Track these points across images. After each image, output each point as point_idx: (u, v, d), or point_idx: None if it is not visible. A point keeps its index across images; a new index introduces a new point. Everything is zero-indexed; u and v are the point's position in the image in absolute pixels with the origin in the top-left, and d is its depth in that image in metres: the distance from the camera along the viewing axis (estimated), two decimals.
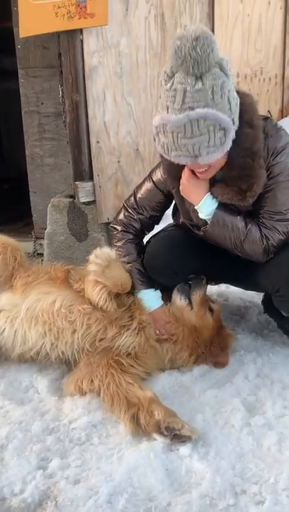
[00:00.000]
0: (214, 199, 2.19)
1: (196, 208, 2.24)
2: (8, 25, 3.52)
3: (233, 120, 1.94)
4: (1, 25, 4.00)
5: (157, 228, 2.63)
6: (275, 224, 2.20)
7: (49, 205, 3.56)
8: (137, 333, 2.35)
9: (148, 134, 3.61)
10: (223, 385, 2.31)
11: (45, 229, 3.62)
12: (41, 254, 3.72)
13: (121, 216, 2.54)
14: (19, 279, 2.50)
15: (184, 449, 1.94)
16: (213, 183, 2.19)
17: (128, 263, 2.44)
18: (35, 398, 2.30)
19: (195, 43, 1.79)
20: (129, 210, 2.51)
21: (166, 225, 2.65)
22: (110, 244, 2.58)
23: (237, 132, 2.00)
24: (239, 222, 2.20)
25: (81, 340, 2.31)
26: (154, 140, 2.03)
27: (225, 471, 1.86)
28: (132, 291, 2.44)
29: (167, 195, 2.41)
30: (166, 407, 2.07)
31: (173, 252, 2.42)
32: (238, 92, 2.01)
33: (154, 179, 2.43)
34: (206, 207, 2.21)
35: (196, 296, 2.47)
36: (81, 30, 3.12)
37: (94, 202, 3.42)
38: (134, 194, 2.51)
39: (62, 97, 3.39)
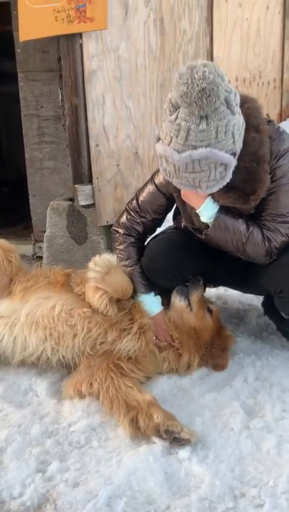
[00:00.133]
0: (215, 202, 2.20)
1: (197, 211, 2.25)
2: (8, 28, 3.53)
3: (235, 153, 1.96)
4: (0, 29, 4.02)
5: (158, 231, 2.63)
6: (278, 226, 2.21)
7: (48, 208, 3.56)
8: (138, 337, 2.36)
9: (147, 137, 3.62)
10: (222, 388, 2.32)
11: (45, 232, 3.62)
12: (40, 257, 3.72)
13: (123, 219, 2.54)
14: (18, 284, 2.50)
15: (183, 452, 1.94)
16: None
17: (130, 266, 2.44)
18: (34, 401, 2.30)
19: (201, 94, 1.79)
20: (132, 213, 2.51)
21: (166, 227, 2.66)
22: (111, 247, 2.58)
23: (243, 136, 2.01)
24: (241, 225, 2.21)
25: (82, 344, 2.31)
26: (159, 166, 2.06)
27: (224, 474, 1.86)
28: (133, 295, 2.44)
29: (169, 198, 2.42)
30: (166, 411, 2.07)
31: (171, 254, 2.43)
32: (243, 97, 2.02)
33: (156, 182, 2.43)
34: (207, 210, 2.22)
35: (195, 296, 2.48)
36: (81, 35, 3.13)
37: (93, 205, 3.42)
38: (137, 197, 2.51)
39: (61, 100, 3.40)
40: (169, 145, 1.92)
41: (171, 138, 1.90)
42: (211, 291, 2.97)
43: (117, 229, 2.56)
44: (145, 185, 2.50)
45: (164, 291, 2.52)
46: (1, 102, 5.14)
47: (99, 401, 2.21)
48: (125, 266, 2.44)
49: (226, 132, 1.88)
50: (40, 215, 3.74)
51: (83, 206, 3.43)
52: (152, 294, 2.46)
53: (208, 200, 2.19)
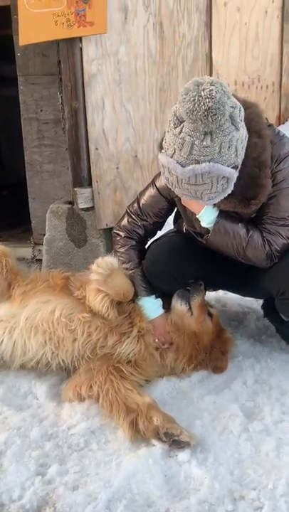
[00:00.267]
0: (215, 207, 2.21)
1: (197, 216, 2.26)
2: (8, 32, 3.55)
3: (237, 166, 1.98)
4: (0, 33, 4.03)
5: (159, 234, 2.64)
6: (279, 229, 2.22)
7: (48, 212, 3.57)
8: (137, 341, 2.36)
9: (146, 141, 3.64)
10: (221, 391, 2.32)
11: (44, 235, 3.63)
12: (40, 260, 3.73)
13: (124, 222, 2.55)
14: (17, 288, 2.50)
15: (183, 455, 1.95)
16: None
17: (130, 269, 2.45)
18: (33, 404, 2.30)
19: (207, 112, 1.81)
20: (133, 216, 2.52)
21: (167, 230, 2.66)
22: (111, 249, 2.58)
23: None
24: (241, 229, 2.23)
25: (82, 348, 2.31)
26: (162, 174, 2.09)
27: (223, 476, 1.86)
28: (133, 298, 2.44)
29: (171, 201, 2.43)
30: (165, 413, 2.07)
31: (173, 258, 2.43)
32: (245, 102, 2.03)
33: (157, 185, 2.44)
34: (207, 215, 2.23)
35: (195, 301, 2.48)
36: (80, 39, 3.15)
37: (93, 208, 3.43)
38: (138, 200, 2.52)
39: (61, 104, 3.41)
40: (172, 157, 1.94)
41: (175, 150, 1.92)
42: (210, 295, 2.98)
43: (118, 232, 2.57)
44: (146, 188, 2.51)
45: (164, 294, 2.53)
46: (0, 105, 5.16)
47: (98, 404, 2.21)
48: (126, 269, 2.45)
49: (229, 147, 1.90)
50: (40, 218, 3.74)
51: (83, 209, 3.44)
52: (153, 296, 2.46)
53: (208, 206, 2.20)
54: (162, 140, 2.10)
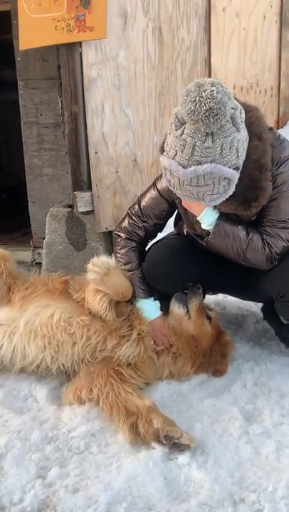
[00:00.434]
0: (215, 210, 2.22)
1: (197, 218, 2.27)
2: (8, 37, 3.56)
3: (238, 167, 1.99)
4: (1, 37, 4.06)
5: (159, 236, 2.65)
6: (279, 231, 2.24)
7: (48, 215, 3.58)
8: (137, 344, 2.36)
9: (146, 145, 3.66)
10: (221, 394, 2.33)
11: (44, 238, 3.64)
12: (40, 264, 3.73)
13: (125, 224, 2.56)
14: (17, 292, 2.50)
15: (183, 458, 1.95)
16: None
17: (130, 271, 2.46)
18: (34, 407, 2.30)
19: (208, 113, 1.82)
20: (134, 218, 2.53)
21: (167, 233, 2.67)
22: (111, 252, 2.59)
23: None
24: (240, 231, 2.24)
25: (81, 352, 2.32)
26: (163, 176, 2.09)
27: (223, 479, 1.87)
28: (132, 300, 2.45)
29: (171, 203, 2.44)
30: (165, 416, 2.08)
31: (173, 260, 2.44)
32: (246, 106, 2.05)
33: (158, 188, 2.45)
34: (207, 217, 2.24)
35: (193, 304, 2.48)
36: (80, 43, 3.17)
37: (92, 212, 3.45)
38: (139, 202, 2.53)
39: (61, 108, 3.43)
40: (173, 159, 1.95)
41: (176, 152, 1.93)
42: (209, 298, 2.99)
43: (118, 233, 2.58)
44: (147, 190, 2.53)
45: (163, 297, 2.54)
46: (1, 109, 5.18)
47: (98, 407, 2.21)
48: (126, 270, 2.45)
49: (230, 148, 1.91)
50: (40, 221, 3.75)
51: (82, 213, 3.45)
52: (151, 299, 2.47)
53: (209, 208, 2.21)
54: (163, 143, 2.12)
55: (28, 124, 3.69)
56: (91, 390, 2.23)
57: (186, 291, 2.55)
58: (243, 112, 1.97)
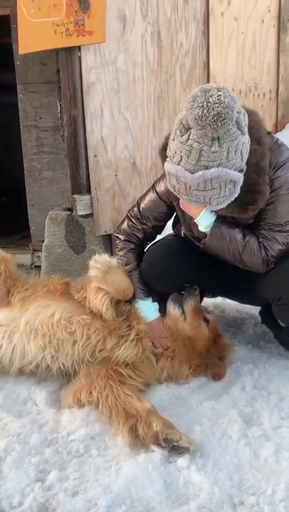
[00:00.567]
0: (212, 212, 2.24)
1: (195, 221, 2.29)
2: (8, 41, 3.58)
3: (243, 169, 2.01)
4: (0, 41, 4.07)
5: (158, 238, 2.66)
6: (275, 235, 2.25)
7: (47, 218, 3.59)
8: (135, 344, 2.37)
9: (145, 148, 3.67)
10: (220, 397, 2.33)
11: (43, 241, 3.65)
12: (39, 267, 3.74)
13: (124, 226, 2.58)
14: (17, 294, 2.51)
15: (182, 461, 1.95)
16: None
17: (129, 272, 2.47)
18: (33, 410, 2.30)
19: (216, 117, 1.84)
20: (133, 220, 2.55)
21: (165, 235, 2.69)
22: (112, 253, 2.60)
23: None
24: (237, 234, 2.25)
25: (81, 352, 2.32)
26: (167, 182, 2.10)
27: (223, 482, 1.87)
28: (131, 301, 2.46)
29: (170, 206, 2.46)
30: (164, 419, 2.08)
31: (170, 259, 2.46)
32: (246, 111, 2.05)
33: (157, 190, 2.47)
34: (204, 220, 2.26)
35: (188, 305, 2.48)
36: (79, 47, 3.19)
37: (91, 215, 3.46)
38: (138, 204, 2.55)
39: (60, 111, 3.45)
40: (178, 164, 1.96)
41: (181, 157, 1.94)
42: (208, 300, 3.00)
43: (118, 235, 2.60)
44: (146, 192, 2.54)
45: (162, 298, 2.54)
46: (0, 112, 5.19)
47: (98, 410, 2.21)
48: (125, 271, 2.46)
49: (235, 151, 1.93)
50: (39, 224, 3.77)
51: (81, 216, 3.47)
52: (150, 300, 2.48)
53: (206, 210, 2.22)
54: (162, 146, 2.14)
55: (28, 127, 3.70)
56: (91, 392, 2.23)
57: (183, 292, 2.55)
58: (246, 115, 1.99)
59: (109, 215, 3.52)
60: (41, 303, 2.42)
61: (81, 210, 3.42)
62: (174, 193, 2.11)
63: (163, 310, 2.53)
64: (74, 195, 3.42)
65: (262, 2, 4.75)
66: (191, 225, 2.36)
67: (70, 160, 3.41)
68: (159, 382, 2.44)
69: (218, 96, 1.84)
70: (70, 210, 3.54)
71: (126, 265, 2.49)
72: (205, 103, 1.84)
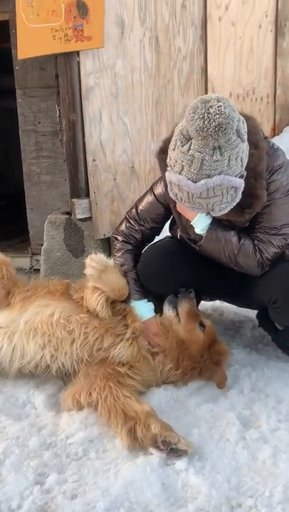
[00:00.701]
0: (208, 215, 2.25)
1: (191, 223, 2.31)
2: (7, 46, 3.61)
3: (243, 175, 2.03)
4: (0, 46, 4.10)
5: (156, 240, 2.69)
6: (270, 238, 2.27)
7: (46, 222, 3.61)
8: (131, 343, 2.38)
9: (143, 152, 3.69)
10: (218, 400, 2.34)
11: (42, 245, 3.66)
12: (38, 270, 3.75)
13: (122, 227, 2.61)
14: (17, 294, 2.53)
15: (180, 463, 1.96)
16: None
17: (125, 272, 2.49)
18: (32, 413, 2.31)
19: (218, 128, 1.86)
20: (131, 222, 2.58)
21: (162, 237, 2.71)
22: (110, 255, 2.62)
23: None
24: (232, 236, 2.28)
25: (80, 351, 2.34)
26: (169, 191, 2.12)
27: (220, 484, 1.88)
28: (126, 301, 2.47)
29: (167, 208, 2.48)
30: (163, 421, 2.09)
31: (166, 259, 2.48)
32: (243, 116, 2.07)
33: (155, 192, 2.50)
34: (200, 222, 2.28)
35: (182, 308, 2.47)
36: (78, 53, 3.21)
37: (90, 218, 3.47)
38: (136, 206, 2.58)
39: (59, 116, 3.47)
40: (180, 173, 1.98)
41: (183, 167, 1.96)
42: (206, 303, 3.01)
43: (116, 236, 2.63)
44: (144, 195, 2.58)
45: (158, 300, 2.54)
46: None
47: (97, 411, 2.21)
48: (122, 271, 2.48)
49: (236, 159, 1.95)
50: (38, 228, 3.78)
51: (80, 219, 3.48)
52: (145, 300, 2.49)
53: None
54: (160, 149, 2.16)
55: (27, 131, 3.72)
56: (90, 393, 2.24)
57: (178, 295, 2.55)
58: (245, 122, 2.01)
59: (108, 218, 3.54)
60: (41, 302, 2.45)
61: (80, 214, 3.44)
62: (177, 201, 2.13)
63: (160, 311, 2.53)
64: (73, 199, 3.44)
65: (259, 7, 4.79)
66: (188, 227, 2.38)
67: (68, 164, 3.42)
68: (158, 383, 2.43)
69: (218, 107, 1.86)
70: (68, 213, 3.55)
71: (122, 266, 2.51)
72: (206, 114, 1.86)
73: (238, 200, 2.06)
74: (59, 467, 2.00)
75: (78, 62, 3.23)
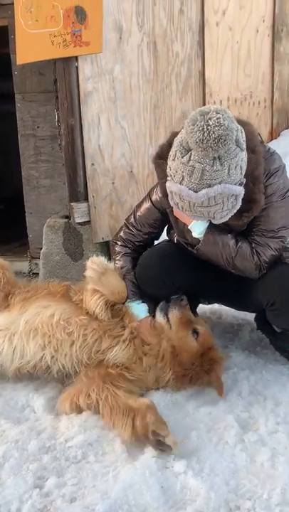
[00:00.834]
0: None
1: (188, 227, 2.32)
2: (6, 51, 3.63)
3: (243, 182, 2.06)
4: None
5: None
6: (268, 241, 2.29)
7: (45, 226, 3.62)
8: (128, 344, 2.38)
9: (141, 156, 3.71)
10: (216, 402, 2.34)
11: (41, 249, 3.67)
12: (37, 274, 3.76)
13: (121, 233, 2.66)
14: (17, 295, 2.54)
15: (179, 466, 1.96)
16: None
17: (123, 274, 2.52)
18: (31, 417, 2.31)
19: (218, 140, 1.88)
20: (130, 227, 2.63)
21: (161, 240, 2.73)
22: (110, 259, 2.64)
23: None
24: (230, 239, 2.30)
25: (79, 353, 2.35)
26: (170, 200, 2.13)
27: (219, 487, 1.88)
28: (124, 302, 2.48)
29: (164, 213, 2.51)
30: (161, 417, 2.09)
31: (163, 262, 2.50)
32: (240, 121, 2.10)
33: (152, 199, 2.54)
34: (197, 226, 2.30)
35: (173, 314, 2.44)
36: (76, 58, 3.24)
37: (89, 222, 3.49)
38: (134, 212, 2.62)
39: (57, 121, 3.48)
40: (181, 183, 2.00)
41: (183, 177, 1.98)
42: (205, 307, 3.02)
43: (115, 241, 2.69)
44: (142, 201, 2.62)
45: (155, 303, 2.54)
46: None
47: (97, 412, 2.22)
48: (120, 274, 2.50)
49: (236, 167, 1.98)
50: (37, 232, 3.79)
51: (79, 223, 3.49)
52: (140, 301, 2.50)
53: None
54: (157, 154, 2.20)
55: (25, 136, 3.74)
56: (89, 395, 2.24)
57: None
58: (243, 131, 2.03)
59: (107, 222, 3.55)
60: (41, 303, 2.46)
61: (79, 218, 3.46)
62: (178, 211, 2.14)
63: (154, 314, 2.53)
64: (72, 203, 3.45)
65: (256, 12, 4.83)
66: (185, 231, 2.40)
67: (67, 168, 3.44)
68: (156, 384, 2.43)
69: (217, 119, 1.89)
70: (67, 217, 3.57)
71: (121, 268, 2.54)
72: (205, 126, 1.88)
73: (238, 207, 2.09)
74: (58, 470, 2.00)
75: (77, 67, 3.25)
